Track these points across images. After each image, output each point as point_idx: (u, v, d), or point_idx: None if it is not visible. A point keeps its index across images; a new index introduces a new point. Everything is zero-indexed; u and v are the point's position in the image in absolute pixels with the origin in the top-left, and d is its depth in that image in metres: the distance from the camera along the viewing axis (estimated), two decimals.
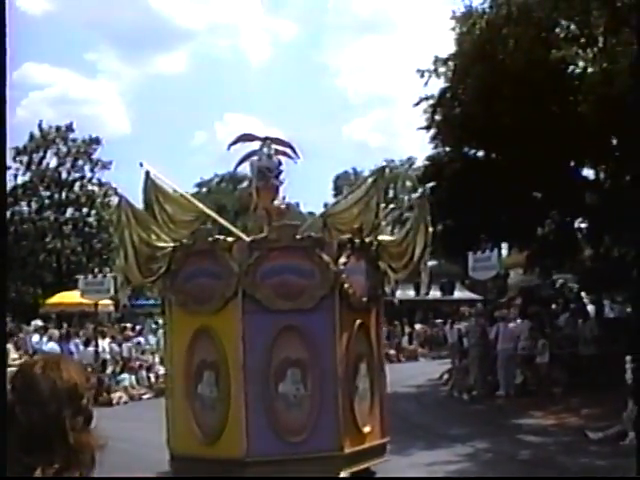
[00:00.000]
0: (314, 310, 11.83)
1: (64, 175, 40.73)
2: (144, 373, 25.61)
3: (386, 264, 12.93)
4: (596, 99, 20.94)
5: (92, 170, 41.05)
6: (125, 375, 24.86)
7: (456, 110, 24.92)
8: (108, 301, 27.04)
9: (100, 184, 40.90)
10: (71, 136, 40.63)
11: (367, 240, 12.58)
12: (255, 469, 11.46)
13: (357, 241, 12.37)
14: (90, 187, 41.09)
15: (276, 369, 11.68)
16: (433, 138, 25.73)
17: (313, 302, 11.79)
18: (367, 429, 12.35)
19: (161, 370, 24.92)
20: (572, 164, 25.18)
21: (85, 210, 40.95)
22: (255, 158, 12.91)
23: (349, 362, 12.08)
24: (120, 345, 25.86)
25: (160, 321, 31.38)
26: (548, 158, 23.07)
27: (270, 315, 11.69)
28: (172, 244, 12.20)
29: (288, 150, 13.08)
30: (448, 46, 25.26)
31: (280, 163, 12.91)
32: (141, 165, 12.54)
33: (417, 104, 25.43)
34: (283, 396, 11.71)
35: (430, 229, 12.84)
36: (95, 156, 40.94)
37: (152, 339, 28.04)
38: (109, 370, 24.64)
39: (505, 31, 23.40)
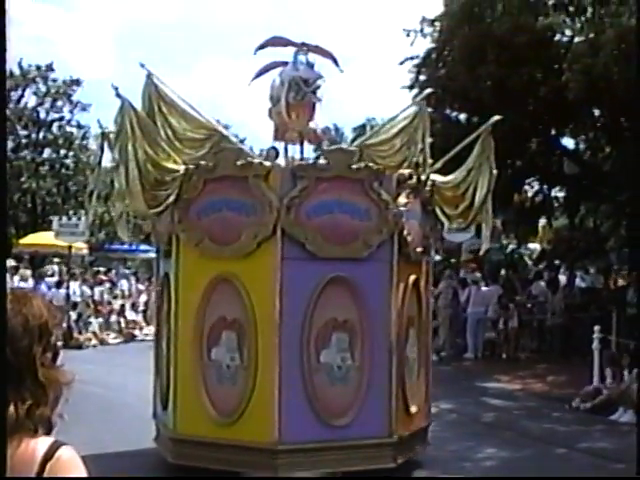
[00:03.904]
0: (368, 260, 7.89)
1: (43, 115, 35.48)
2: (114, 318, 21.65)
3: (439, 209, 8.89)
4: (580, 69, 17.89)
5: (71, 111, 35.68)
6: (95, 319, 20.83)
7: (440, 71, 21.43)
8: (82, 244, 22.96)
9: (79, 126, 35.52)
10: (51, 76, 35.17)
11: (423, 178, 8.53)
12: (288, 458, 7.50)
13: (416, 177, 8.32)
14: (69, 128, 35.60)
15: (319, 333, 7.71)
16: (416, 98, 21.90)
17: (368, 250, 7.81)
18: (414, 409, 8.50)
19: (132, 316, 21.68)
20: (552, 132, 21.76)
21: (63, 152, 35.50)
22: (288, 67, 8.66)
23: (401, 327, 8.10)
24: (92, 288, 21.71)
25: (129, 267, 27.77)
26: (529, 125, 20.37)
27: (315, 263, 7.69)
28: (183, 166, 7.95)
29: (329, 61, 8.85)
30: (436, 7, 21.65)
31: (320, 76, 8.68)
32: (142, 66, 8.27)
33: (402, 63, 21.74)
34: (326, 367, 7.74)
35: (495, 171, 8.91)
36: (75, 97, 35.51)
37: (124, 284, 23.77)
38: (79, 313, 20.52)
39: None
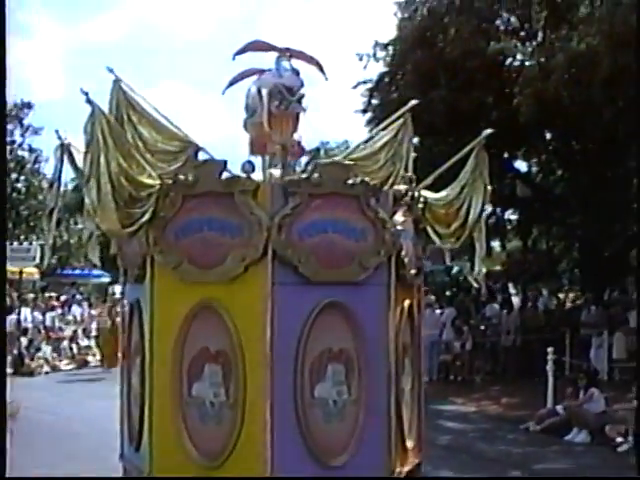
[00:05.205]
0: (364, 284, 6.78)
1: None
2: (66, 343, 20.32)
3: (431, 228, 7.93)
4: (532, 93, 17.41)
5: (22, 135, 33.99)
6: (47, 345, 19.54)
7: (393, 95, 20.80)
8: (33, 269, 21.62)
9: (30, 150, 33.88)
10: None
11: (416, 195, 7.59)
12: None
13: (410, 194, 7.37)
14: (20, 152, 33.82)
15: (313, 364, 6.60)
16: (369, 122, 21.21)
17: (364, 273, 6.74)
18: (410, 444, 7.42)
19: (84, 342, 20.42)
20: (505, 156, 21.22)
21: (14, 176, 33.37)
22: (269, 74, 7.58)
23: (398, 356, 7.11)
24: (44, 314, 20.37)
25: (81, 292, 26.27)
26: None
27: (309, 288, 6.58)
28: (159, 181, 6.83)
29: (314, 69, 7.81)
30: (389, 31, 21.12)
31: (303, 84, 7.63)
32: (110, 71, 7.19)
33: (355, 87, 21.04)
34: (321, 402, 6.63)
35: (489, 187, 8.01)
36: (26, 121, 33.90)
37: (76, 310, 22.40)
38: (30, 339, 19.18)
39: (446, 20, 19.85)
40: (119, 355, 18.99)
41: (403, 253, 7.04)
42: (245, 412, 6.47)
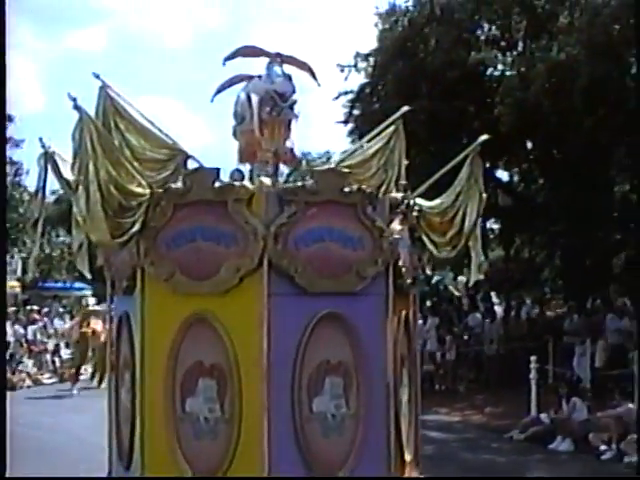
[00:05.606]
0: (362, 294, 6.49)
1: None
2: (48, 357, 20.08)
3: (426, 237, 7.68)
4: (512, 102, 17.34)
5: None
6: (29, 359, 19.20)
7: (374, 106, 20.60)
8: (14, 282, 21.16)
9: (11, 162, 33.12)
10: None
11: (411, 203, 7.35)
12: None
13: (405, 202, 7.13)
14: None
15: (311, 377, 6.29)
16: (351, 132, 21.03)
17: (362, 283, 6.45)
18: (408, 457, 7.12)
19: (67, 355, 20.06)
20: (486, 165, 21.07)
21: None
22: (260, 79, 7.30)
23: (396, 367, 6.83)
24: (25, 328, 19.94)
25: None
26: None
27: (306, 299, 6.29)
28: (149, 190, 6.53)
29: (306, 75, 7.55)
30: (369, 42, 21.05)
31: (295, 90, 7.36)
32: (97, 77, 6.86)
33: (336, 98, 20.85)
34: (319, 416, 6.33)
35: (484, 195, 7.79)
36: (7, 133, 33.24)
37: (58, 323, 21.98)
38: (12, 353, 18.82)
39: (427, 30, 19.78)
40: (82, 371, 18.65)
41: (400, 262, 6.79)
42: (241, 427, 6.17)
